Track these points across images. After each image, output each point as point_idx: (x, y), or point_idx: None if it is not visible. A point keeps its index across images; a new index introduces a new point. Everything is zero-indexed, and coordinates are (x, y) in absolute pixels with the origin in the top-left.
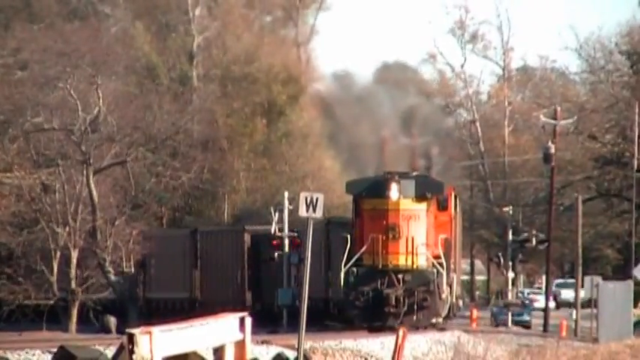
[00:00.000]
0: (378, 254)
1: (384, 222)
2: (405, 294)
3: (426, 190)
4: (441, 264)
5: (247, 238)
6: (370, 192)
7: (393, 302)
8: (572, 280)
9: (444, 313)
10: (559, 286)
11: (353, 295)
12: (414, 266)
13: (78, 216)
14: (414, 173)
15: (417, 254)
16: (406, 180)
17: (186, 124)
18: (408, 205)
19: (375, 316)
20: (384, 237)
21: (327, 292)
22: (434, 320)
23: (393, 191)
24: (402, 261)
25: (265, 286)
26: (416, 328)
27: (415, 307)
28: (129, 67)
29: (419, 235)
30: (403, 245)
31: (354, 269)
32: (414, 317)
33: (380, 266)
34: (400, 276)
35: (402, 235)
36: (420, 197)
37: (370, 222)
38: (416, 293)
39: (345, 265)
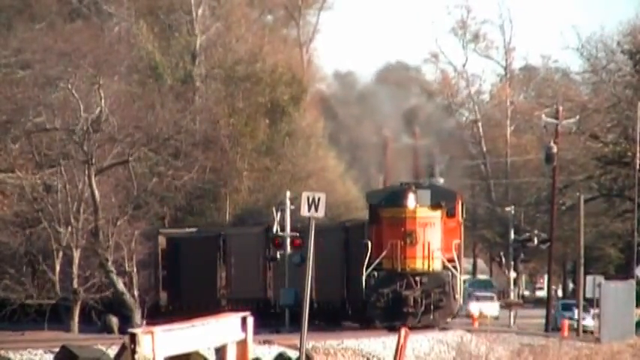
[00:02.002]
0: (397, 258)
1: (402, 229)
2: (423, 295)
3: (440, 198)
4: (455, 267)
5: (162, 240)
6: (389, 201)
7: (412, 303)
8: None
9: (456, 312)
10: (473, 285)
11: (374, 297)
12: (430, 269)
13: (80, 216)
14: (428, 183)
15: (432, 258)
16: (422, 190)
17: (188, 124)
18: (424, 212)
19: (394, 316)
20: (402, 242)
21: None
22: (448, 319)
23: (410, 200)
24: (419, 265)
25: (186, 287)
26: (432, 326)
27: (432, 307)
28: (131, 67)
29: (434, 240)
30: (420, 250)
31: (375, 273)
32: (431, 317)
33: (399, 270)
34: (417, 278)
35: (419, 240)
36: (434, 205)
37: (389, 229)
38: (432, 294)
39: (366, 270)
